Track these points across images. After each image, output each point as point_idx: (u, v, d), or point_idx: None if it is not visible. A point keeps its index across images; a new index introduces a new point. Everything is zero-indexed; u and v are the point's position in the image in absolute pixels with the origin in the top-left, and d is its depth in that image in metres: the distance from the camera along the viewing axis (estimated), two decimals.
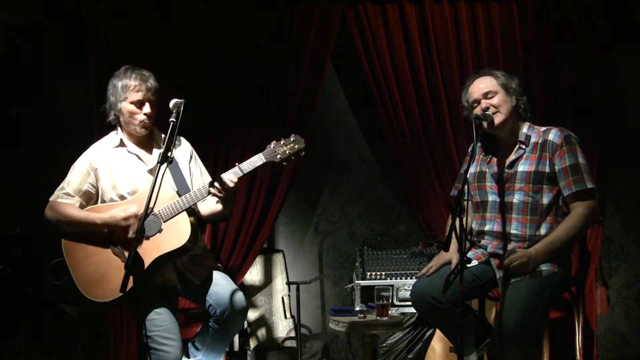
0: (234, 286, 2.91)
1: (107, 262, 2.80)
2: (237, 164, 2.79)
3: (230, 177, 2.75)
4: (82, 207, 2.90)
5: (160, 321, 2.79)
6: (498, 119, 2.85)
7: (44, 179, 3.81)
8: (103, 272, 2.79)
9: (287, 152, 2.77)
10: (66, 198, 2.89)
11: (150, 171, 2.92)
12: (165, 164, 2.52)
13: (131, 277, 2.40)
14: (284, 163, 2.81)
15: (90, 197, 2.94)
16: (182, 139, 3.12)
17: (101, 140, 3.02)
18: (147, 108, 2.87)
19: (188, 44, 3.87)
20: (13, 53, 4.09)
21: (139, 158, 2.94)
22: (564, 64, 3.85)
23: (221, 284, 2.89)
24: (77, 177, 2.92)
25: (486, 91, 2.88)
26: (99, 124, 3.79)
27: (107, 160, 2.93)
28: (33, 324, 3.80)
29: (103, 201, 2.93)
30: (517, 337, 2.67)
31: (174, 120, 2.65)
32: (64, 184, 2.93)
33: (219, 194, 2.76)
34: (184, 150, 3.08)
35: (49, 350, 3.84)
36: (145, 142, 2.99)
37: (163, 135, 3.00)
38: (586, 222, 2.80)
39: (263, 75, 3.90)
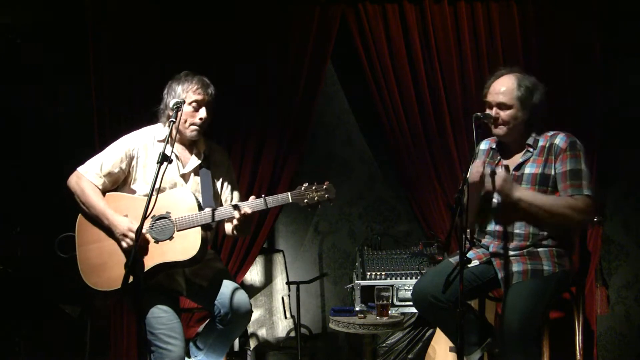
0: (239, 288, 2.91)
1: (110, 252, 2.81)
2: (263, 195, 2.78)
3: (250, 207, 2.75)
4: (105, 188, 2.88)
5: (167, 319, 2.79)
6: (500, 131, 2.85)
7: (44, 179, 3.82)
8: (103, 261, 2.80)
9: (315, 198, 2.75)
10: (94, 177, 2.86)
11: (183, 176, 2.93)
12: (165, 164, 2.52)
13: (130, 278, 2.40)
14: (309, 209, 2.79)
15: (117, 181, 2.92)
16: (222, 149, 3.14)
17: (147, 128, 2.99)
18: (203, 112, 2.86)
19: (187, 44, 3.87)
20: (13, 53, 4.09)
21: (177, 158, 2.93)
22: (564, 63, 3.85)
23: (226, 285, 2.89)
24: (110, 160, 2.89)
25: (500, 102, 2.84)
26: (98, 123, 3.82)
27: (146, 152, 2.92)
28: (33, 324, 3.80)
29: (130, 190, 2.91)
30: (519, 338, 2.66)
31: (174, 120, 2.66)
32: (96, 161, 2.89)
33: (236, 219, 2.76)
34: (220, 160, 3.07)
35: (49, 350, 3.85)
36: (189, 145, 2.97)
37: (205, 145, 3.01)
38: (574, 213, 2.73)
39: (263, 75, 3.90)
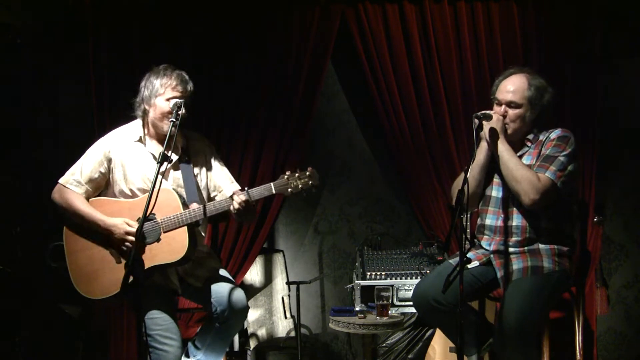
0: (235, 286, 2.91)
1: (101, 259, 2.80)
2: (246, 188, 2.75)
3: (237, 200, 2.72)
4: (89, 195, 2.88)
5: (162, 320, 2.79)
6: (509, 129, 2.87)
7: (43, 179, 3.82)
8: (94, 268, 2.79)
9: (299, 186, 2.71)
10: (75, 186, 2.86)
11: (162, 173, 2.89)
12: (165, 164, 2.52)
13: (130, 280, 2.40)
14: (298, 197, 2.76)
15: (99, 186, 2.91)
16: (201, 137, 3.07)
17: (121, 129, 2.97)
18: (181, 109, 2.81)
19: (188, 44, 3.87)
20: (13, 53, 4.08)
21: (155, 158, 2.89)
22: (564, 64, 3.85)
23: (222, 284, 2.89)
24: (89, 165, 2.89)
25: (510, 100, 2.85)
26: (98, 123, 3.82)
27: (122, 153, 2.90)
28: (33, 324, 3.80)
29: (113, 193, 2.90)
30: (517, 336, 2.66)
31: (174, 120, 2.66)
32: (75, 169, 2.89)
33: (233, 208, 2.73)
34: (200, 148, 3.03)
35: (49, 350, 3.84)
36: (164, 142, 2.92)
37: (182, 137, 2.97)
38: (528, 187, 2.72)
39: (263, 75, 3.90)
